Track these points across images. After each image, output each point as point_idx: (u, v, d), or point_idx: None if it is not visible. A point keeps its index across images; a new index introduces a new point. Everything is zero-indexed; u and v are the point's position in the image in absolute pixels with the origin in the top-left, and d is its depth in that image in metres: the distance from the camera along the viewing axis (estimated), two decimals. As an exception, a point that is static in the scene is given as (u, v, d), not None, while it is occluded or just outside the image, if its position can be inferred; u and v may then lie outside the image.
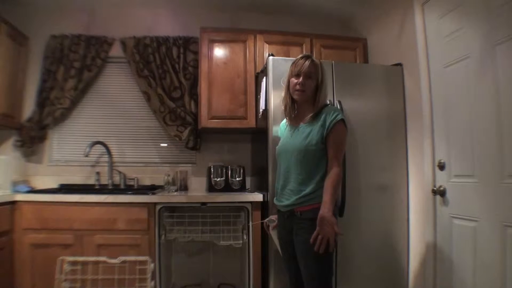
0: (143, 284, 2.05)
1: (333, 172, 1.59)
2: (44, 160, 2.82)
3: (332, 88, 2.23)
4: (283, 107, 1.77)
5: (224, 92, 2.61)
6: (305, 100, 1.69)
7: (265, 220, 1.90)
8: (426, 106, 2.10)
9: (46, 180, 2.75)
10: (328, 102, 1.78)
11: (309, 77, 1.65)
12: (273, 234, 1.85)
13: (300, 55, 1.72)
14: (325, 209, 1.51)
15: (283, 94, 1.75)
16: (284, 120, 1.84)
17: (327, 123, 1.61)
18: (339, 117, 1.62)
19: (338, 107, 2.19)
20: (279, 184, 1.74)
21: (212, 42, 2.65)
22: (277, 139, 1.93)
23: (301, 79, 1.65)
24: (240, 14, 3.03)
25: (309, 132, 1.64)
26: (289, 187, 1.67)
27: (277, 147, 1.80)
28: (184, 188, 2.76)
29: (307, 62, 1.66)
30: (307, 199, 1.60)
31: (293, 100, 1.72)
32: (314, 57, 1.71)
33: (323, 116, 1.64)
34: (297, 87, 1.66)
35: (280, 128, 1.87)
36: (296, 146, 1.65)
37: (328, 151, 1.63)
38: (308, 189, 1.60)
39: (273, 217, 1.84)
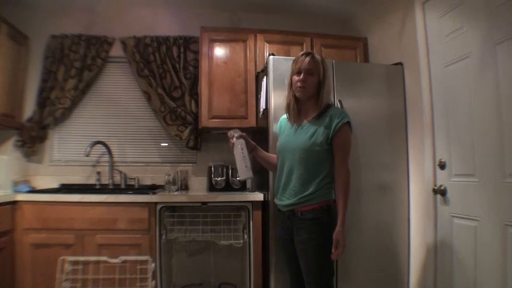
0: (144, 283, 2.05)
1: (344, 180, 1.60)
2: (44, 160, 2.82)
3: (332, 87, 2.22)
4: (285, 106, 1.74)
5: (225, 91, 2.61)
6: (308, 97, 1.67)
7: (230, 131, 1.78)
8: (427, 105, 2.10)
9: (46, 180, 2.76)
10: (331, 102, 1.77)
11: (311, 73, 1.64)
12: (237, 144, 1.74)
13: (301, 52, 1.71)
14: (341, 228, 1.58)
15: (286, 93, 1.74)
16: (284, 116, 1.80)
17: (333, 125, 1.61)
18: (346, 119, 1.62)
19: (339, 106, 2.18)
20: (281, 183, 1.72)
21: (213, 41, 2.65)
22: (277, 138, 1.93)
23: (302, 76, 1.64)
24: (241, 13, 3.03)
25: (314, 131, 1.63)
26: (290, 186, 1.66)
27: (278, 143, 1.78)
28: (184, 187, 2.76)
29: (308, 59, 1.64)
30: (308, 199, 1.60)
31: (296, 98, 1.70)
32: (315, 53, 1.69)
33: (329, 117, 1.63)
34: (298, 84, 1.65)
35: (280, 123, 1.84)
36: (300, 145, 1.64)
37: (335, 155, 1.63)
38: (310, 190, 1.60)
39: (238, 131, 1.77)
